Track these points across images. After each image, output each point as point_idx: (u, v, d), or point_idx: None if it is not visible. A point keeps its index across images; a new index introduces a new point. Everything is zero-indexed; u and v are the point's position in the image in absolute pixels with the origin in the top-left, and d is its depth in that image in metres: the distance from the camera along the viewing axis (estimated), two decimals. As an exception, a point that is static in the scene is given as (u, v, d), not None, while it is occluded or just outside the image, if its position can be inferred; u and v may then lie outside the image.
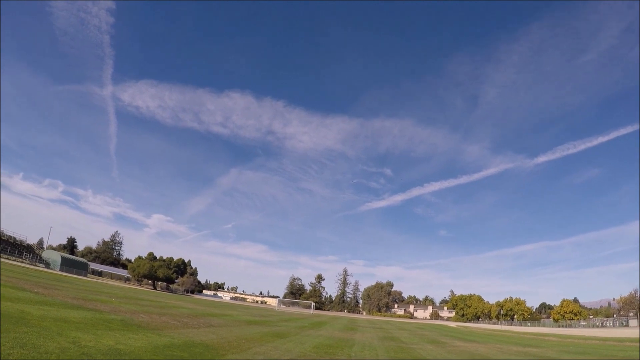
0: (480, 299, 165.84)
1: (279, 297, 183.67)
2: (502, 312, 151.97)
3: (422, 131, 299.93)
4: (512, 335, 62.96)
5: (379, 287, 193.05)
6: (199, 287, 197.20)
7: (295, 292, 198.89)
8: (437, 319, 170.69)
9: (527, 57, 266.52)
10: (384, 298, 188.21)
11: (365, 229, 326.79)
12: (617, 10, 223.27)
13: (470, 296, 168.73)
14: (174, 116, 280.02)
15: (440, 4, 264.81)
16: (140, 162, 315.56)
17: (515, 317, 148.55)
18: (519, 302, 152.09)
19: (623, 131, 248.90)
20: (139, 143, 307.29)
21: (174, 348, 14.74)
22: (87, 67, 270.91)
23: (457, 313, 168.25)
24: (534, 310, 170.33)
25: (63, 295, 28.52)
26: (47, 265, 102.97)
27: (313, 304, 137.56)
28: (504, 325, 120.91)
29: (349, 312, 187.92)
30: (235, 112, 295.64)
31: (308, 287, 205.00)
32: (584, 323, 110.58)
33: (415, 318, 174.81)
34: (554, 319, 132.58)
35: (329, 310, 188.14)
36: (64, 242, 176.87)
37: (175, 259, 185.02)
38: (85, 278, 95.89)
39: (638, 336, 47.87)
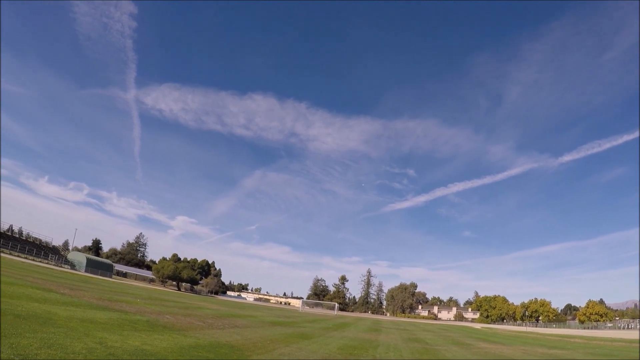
0: (504, 300, 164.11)
1: (302, 298, 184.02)
2: (526, 314, 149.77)
3: (445, 131, 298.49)
4: (537, 337, 61.94)
5: (402, 288, 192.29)
6: (223, 288, 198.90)
7: (319, 293, 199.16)
8: (462, 321, 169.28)
9: (550, 55, 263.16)
10: (407, 299, 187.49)
11: (389, 230, 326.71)
12: None
13: (494, 297, 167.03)
14: (197, 119, 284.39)
15: (461, 4, 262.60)
16: (164, 164, 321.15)
17: (540, 318, 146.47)
18: (544, 304, 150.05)
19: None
20: (162, 146, 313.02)
21: (200, 349, 14.84)
22: (110, 71, 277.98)
23: (481, 314, 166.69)
24: (559, 311, 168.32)
25: (89, 296, 29.02)
26: (73, 266, 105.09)
27: (337, 305, 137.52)
28: (529, 326, 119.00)
29: (372, 313, 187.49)
30: (258, 114, 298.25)
31: (332, 288, 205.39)
32: (610, 325, 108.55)
33: (439, 319, 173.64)
34: (579, 320, 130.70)
35: (352, 311, 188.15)
36: (89, 243, 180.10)
37: (199, 260, 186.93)
38: (110, 279, 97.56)
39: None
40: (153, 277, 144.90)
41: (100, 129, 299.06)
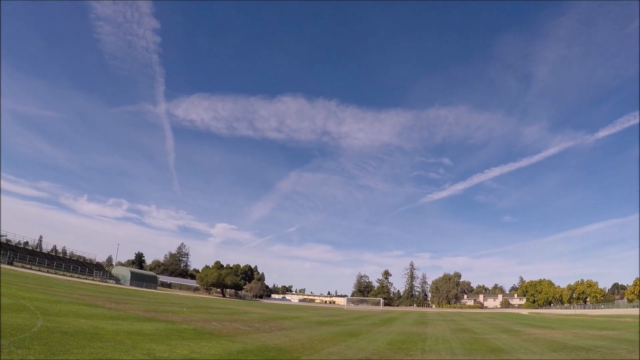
0: (550, 283, 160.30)
1: (347, 296, 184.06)
2: (573, 296, 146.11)
3: (477, 117, 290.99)
4: (586, 319, 60.58)
5: (446, 278, 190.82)
6: (267, 292, 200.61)
7: (363, 289, 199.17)
8: (508, 307, 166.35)
9: (576, 29, 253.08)
10: (452, 289, 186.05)
11: (429, 221, 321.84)
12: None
13: (540, 281, 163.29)
14: (229, 126, 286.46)
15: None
16: (200, 174, 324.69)
17: (587, 299, 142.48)
18: (590, 284, 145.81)
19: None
20: (197, 155, 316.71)
21: (248, 353, 14.80)
22: (139, 87, 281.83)
23: (527, 300, 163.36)
24: (607, 291, 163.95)
25: (135, 308, 29.52)
26: (118, 281, 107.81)
27: (382, 300, 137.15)
28: (577, 309, 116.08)
29: (418, 306, 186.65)
30: (289, 115, 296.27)
31: (375, 284, 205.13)
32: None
33: (486, 308, 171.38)
34: (627, 299, 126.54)
35: (397, 305, 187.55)
36: (132, 257, 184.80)
37: (241, 265, 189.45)
38: (155, 290, 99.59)
39: None
40: (197, 285, 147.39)
41: (134, 145, 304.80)
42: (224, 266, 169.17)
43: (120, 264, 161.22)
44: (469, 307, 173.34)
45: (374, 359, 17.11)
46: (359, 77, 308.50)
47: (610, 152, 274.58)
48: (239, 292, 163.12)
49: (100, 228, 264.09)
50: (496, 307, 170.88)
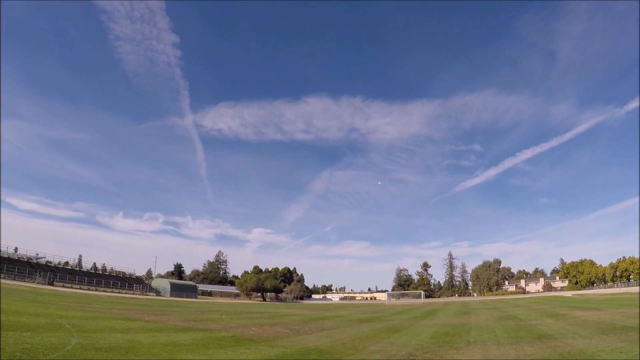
0: (592, 263, 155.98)
1: (387, 290, 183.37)
2: (617, 274, 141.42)
3: (504, 100, 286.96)
4: (632, 297, 58.85)
5: (486, 266, 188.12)
6: (308, 293, 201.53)
7: (403, 283, 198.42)
8: (550, 291, 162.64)
9: (595, 1, 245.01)
10: (493, 276, 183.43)
11: (464, 209, 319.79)
12: None
13: (581, 262, 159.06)
14: (257, 131, 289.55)
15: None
16: (232, 181, 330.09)
17: (631, 277, 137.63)
18: (633, 261, 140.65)
19: None
20: (227, 164, 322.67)
21: (287, 357, 14.45)
22: (164, 102, 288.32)
23: (569, 281, 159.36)
24: None
25: (174, 319, 29.59)
26: (158, 293, 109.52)
27: (422, 292, 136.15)
28: (621, 287, 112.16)
29: (459, 295, 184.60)
30: (315, 116, 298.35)
31: (415, 277, 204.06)
32: None
33: (528, 292, 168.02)
34: None
35: (439, 296, 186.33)
36: (171, 269, 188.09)
37: (280, 268, 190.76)
38: (196, 300, 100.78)
39: None
40: (237, 291, 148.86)
41: (165, 158, 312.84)
42: (263, 270, 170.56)
43: (159, 276, 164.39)
44: (511, 293, 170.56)
45: (418, 355, 16.64)
46: (381, 70, 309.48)
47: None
48: (279, 295, 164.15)
49: (138, 243, 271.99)
50: (538, 291, 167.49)
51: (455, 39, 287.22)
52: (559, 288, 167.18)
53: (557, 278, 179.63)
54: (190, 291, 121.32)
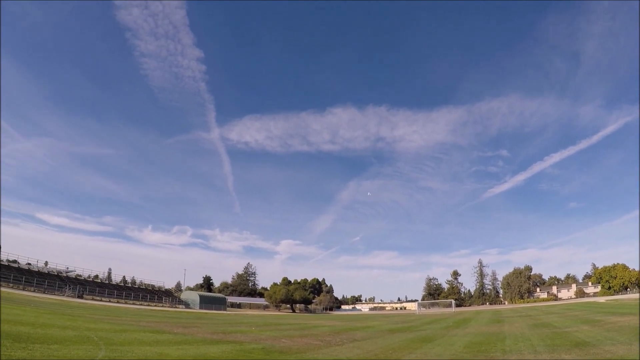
0: (624, 267, 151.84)
1: (417, 300, 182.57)
2: None
3: (530, 103, 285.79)
4: None
5: (517, 273, 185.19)
6: (337, 303, 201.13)
7: (433, 292, 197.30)
8: (583, 297, 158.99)
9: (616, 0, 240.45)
10: (524, 284, 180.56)
11: (493, 216, 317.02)
12: None
13: (614, 266, 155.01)
14: (283, 143, 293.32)
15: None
16: (260, 193, 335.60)
17: None
18: None
19: None
20: (254, 176, 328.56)
21: (320, 370, 14.07)
22: (190, 116, 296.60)
23: (602, 287, 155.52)
24: None
25: (203, 331, 29.47)
26: (187, 305, 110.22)
27: (453, 301, 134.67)
28: None
29: (490, 304, 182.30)
30: (341, 126, 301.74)
31: (445, 286, 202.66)
32: None
33: (560, 299, 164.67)
34: None
35: (469, 305, 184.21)
36: (200, 281, 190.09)
37: (309, 279, 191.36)
38: (225, 312, 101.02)
39: None
40: (266, 303, 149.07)
41: (192, 172, 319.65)
42: (292, 282, 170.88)
43: (188, 288, 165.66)
44: (543, 300, 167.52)
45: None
46: (406, 78, 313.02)
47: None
48: (309, 306, 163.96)
49: (167, 256, 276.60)
50: (570, 298, 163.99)
51: (478, 43, 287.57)
52: (591, 294, 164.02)
53: (590, 284, 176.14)
54: (220, 303, 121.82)
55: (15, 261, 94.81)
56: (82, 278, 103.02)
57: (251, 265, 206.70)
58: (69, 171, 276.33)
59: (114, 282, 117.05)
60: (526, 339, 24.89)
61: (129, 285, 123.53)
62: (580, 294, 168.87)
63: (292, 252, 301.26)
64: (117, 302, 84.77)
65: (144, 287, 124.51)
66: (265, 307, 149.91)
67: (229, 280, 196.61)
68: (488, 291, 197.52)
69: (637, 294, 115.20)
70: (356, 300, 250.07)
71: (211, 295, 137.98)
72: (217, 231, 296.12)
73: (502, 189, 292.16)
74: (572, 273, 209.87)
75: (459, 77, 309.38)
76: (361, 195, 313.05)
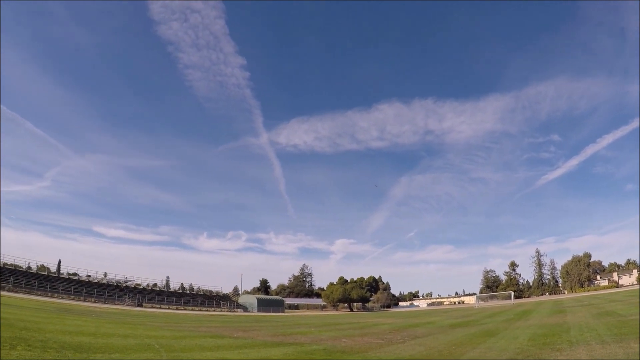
0: None
1: (475, 293, 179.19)
2: None
3: (578, 85, 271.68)
4: None
5: (576, 260, 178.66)
6: (394, 301, 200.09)
7: (491, 285, 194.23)
8: None
9: None
10: (584, 272, 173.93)
11: (548, 203, 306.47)
12: None
13: None
14: (332, 143, 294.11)
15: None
16: (312, 194, 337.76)
17: None
18: None
19: None
20: (305, 177, 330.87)
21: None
22: (238, 123, 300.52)
23: None
24: None
25: (263, 334, 29.51)
26: (245, 309, 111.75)
27: (512, 293, 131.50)
28: None
29: (550, 294, 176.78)
30: (388, 122, 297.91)
31: (503, 277, 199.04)
32: None
33: (621, 286, 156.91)
34: None
35: (529, 296, 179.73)
36: (257, 284, 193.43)
37: (365, 278, 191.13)
38: (283, 314, 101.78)
39: None
40: (324, 303, 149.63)
41: (243, 178, 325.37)
42: (348, 281, 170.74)
43: (246, 292, 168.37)
44: (604, 287, 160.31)
45: (520, 359, 15.49)
46: (450, 69, 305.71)
47: None
48: (366, 304, 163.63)
49: (223, 261, 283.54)
50: (632, 284, 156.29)
51: (520, 27, 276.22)
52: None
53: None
54: (277, 305, 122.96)
55: (75, 274, 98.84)
56: (141, 287, 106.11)
57: (307, 266, 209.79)
58: (123, 185, 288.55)
59: (172, 290, 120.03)
60: (592, 328, 23.93)
61: (187, 291, 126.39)
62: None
63: (347, 251, 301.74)
64: (176, 309, 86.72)
65: (202, 293, 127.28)
66: (323, 307, 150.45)
67: (286, 282, 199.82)
68: (547, 281, 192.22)
69: None
70: (413, 296, 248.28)
71: (268, 297, 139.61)
72: (272, 234, 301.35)
73: (555, 175, 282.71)
74: (632, 258, 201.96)
75: (503, 63, 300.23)
76: (413, 189, 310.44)
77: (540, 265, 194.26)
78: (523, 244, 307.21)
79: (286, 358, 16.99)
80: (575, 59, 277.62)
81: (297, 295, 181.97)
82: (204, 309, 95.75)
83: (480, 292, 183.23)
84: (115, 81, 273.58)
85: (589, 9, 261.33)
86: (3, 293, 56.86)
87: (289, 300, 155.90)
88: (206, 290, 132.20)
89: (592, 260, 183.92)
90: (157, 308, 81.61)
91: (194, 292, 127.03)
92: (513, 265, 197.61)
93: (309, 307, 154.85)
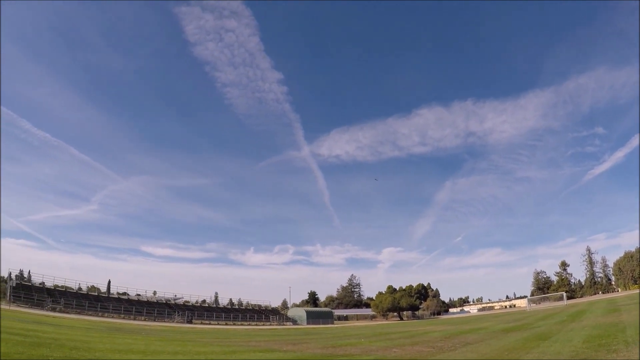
0: None
1: (526, 296, 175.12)
2: None
3: (619, 74, 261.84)
4: None
5: (628, 257, 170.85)
6: (444, 307, 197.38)
7: (542, 286, 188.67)
8: None
9: None
10: (637, 268, 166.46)
11: (596, 199, 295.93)
12: None
13: None
14: (374, 152, 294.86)
15: None
16: (356, 204, 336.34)
17: None
18: None
19: None
20: (349, 188, 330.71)
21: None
22: (279, 137, 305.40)
23: None
24: None
25: (312, 347, 29.39)
26: (294, 322, 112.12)
27: (564, 294, 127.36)
28: None
29: (603, 293, 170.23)
30: (429, 127, 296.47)
31: (554, 278, 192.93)
32: None
33: None
34: None
35: (581, 296, 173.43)
36: (306, 297, 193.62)
37: (414, 285, 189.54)
38: (333, 325, 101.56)
39: None
40: (373, 313, 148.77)
41: (287, 191, 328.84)
42: (397, 289, 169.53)
43: (295, 305, 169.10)
44: None
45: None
46: (487, 68, 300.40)
47: None
48: (416, 312, 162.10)
49: (271, 275, 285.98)
50: None
51: (556, 20, 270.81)
52: None
53: None
54: (326, 317, 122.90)
55: (125, 293, 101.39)
56: (190, 304, 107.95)
57: (355, 277, 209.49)
58: (168, 204, 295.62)
59: (221, 305, 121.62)
60: (648, 327, 22.84)
61: (236, 307, 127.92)
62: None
63: (395, 260, 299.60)
64: (226, 324, 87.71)
65: (250, 307, 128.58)
66: (372, 317, 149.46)
67: (334, 294, 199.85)
68: (599, 279, 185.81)
69: None
70: (463, 302, 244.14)
71: (317, 310, 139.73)
72: (319, 246, 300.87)
73: (602, 169, 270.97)
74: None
75: (541, 58, 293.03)
76: (458, 193, 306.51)
77: (591, 263, 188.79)
78: (573, 243, 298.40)
79: (336, 370, 16.81)
80: (613, 49, 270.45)
81: (346, 306, 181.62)
82: (253, 323, 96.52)
83: (531, 295, 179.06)
84: (156, 103, 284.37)
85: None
86: (53, 314, 58.81)
87: (337, 312, 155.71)
88: (255, 304, 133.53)
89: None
90: (206, 324, 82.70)
91: (243, 307, 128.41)
92: (564, 265, 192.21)
93: (358, 317, 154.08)
